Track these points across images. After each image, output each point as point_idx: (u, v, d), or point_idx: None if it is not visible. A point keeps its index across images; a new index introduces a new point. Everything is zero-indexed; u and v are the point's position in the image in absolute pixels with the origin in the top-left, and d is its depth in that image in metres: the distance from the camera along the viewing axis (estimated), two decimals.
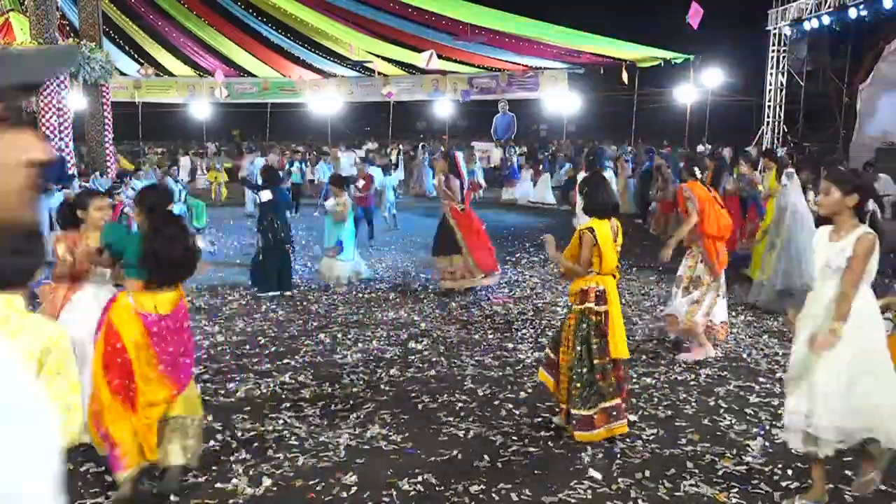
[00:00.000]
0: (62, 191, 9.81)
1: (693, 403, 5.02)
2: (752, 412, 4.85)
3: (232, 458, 4.13)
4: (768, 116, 21.35)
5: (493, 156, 23.06)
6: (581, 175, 9.83)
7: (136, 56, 25.66)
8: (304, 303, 7.92)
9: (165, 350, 3.59)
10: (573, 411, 4.36)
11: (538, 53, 23.49)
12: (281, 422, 4.66)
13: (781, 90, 21.09)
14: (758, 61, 22.32)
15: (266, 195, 8.30)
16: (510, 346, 6.36)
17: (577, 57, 23.45)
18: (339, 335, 6.67)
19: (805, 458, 3.77)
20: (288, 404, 4.97)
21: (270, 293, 8.11)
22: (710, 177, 6.53)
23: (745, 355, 6.09)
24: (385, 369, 5.71)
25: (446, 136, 28.26)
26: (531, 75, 25.70)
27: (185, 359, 3.74)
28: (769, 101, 21.30)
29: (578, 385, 4.33)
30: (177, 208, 12.49)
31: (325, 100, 27.51)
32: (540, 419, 4.74)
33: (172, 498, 3.68)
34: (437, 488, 3.79)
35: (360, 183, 11.61)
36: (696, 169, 6.20)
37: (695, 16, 16.49)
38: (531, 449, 4.28)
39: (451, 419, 4.72)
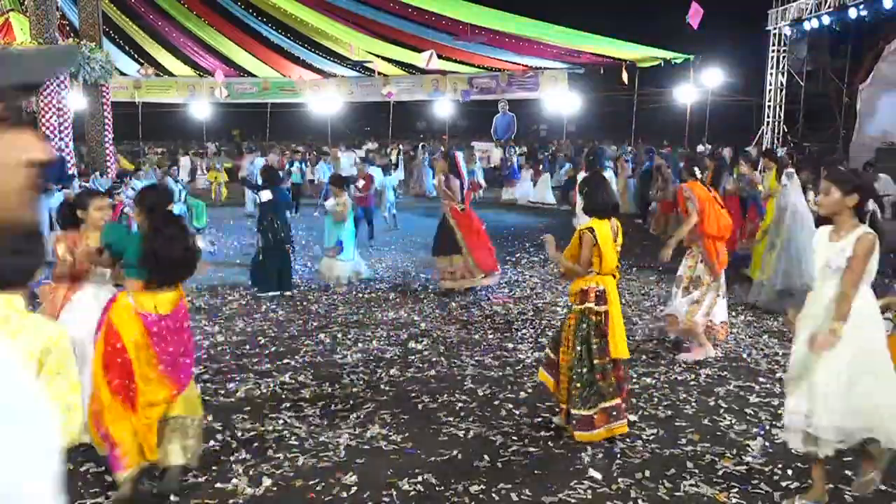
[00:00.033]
0: (62, 191, 9.81)
1: (693, 403, 5.02)
2: (752, 412, 4.85)
3: (232, 458, 4.13)
4: (768, 116, 21.36)
5: (493, 156, 23.06)
6: (581, 175, 9.83)
7: (136, 56, 25.66)
8: (304, 303, 7.92)
9: (165, 350, 3.59)
10: (573, 411, 4.36)
11: (538, 53, 23.49)
12: (281, 422, 4.66)
13: (781, 90, 21.10)
14: (758, 61, 22.34)
15: (266, 195, 8.30)
16: (510, 346, 6.36)
17: (577, 57, 23.45)
18: (339, 335, 6.67)
19: (805, 458, 3.77)
20: (288, 404, 4.97)
21: (270, 293, 8.12)
22: (710, 177, 6.53)
23: (745, 355, 6.09)
24: (385, 369, 5.71)
25: (446, 136, 28.26)
26: (531, 75, 25.70)
27: (185, 359, 3.74)
28: (769, 101, 21.30)
29: (578, 385, 4.33)
30: (177, 208, 12.50)
31: (325, 100, 27.51)
32: (540, 419, 4.74)
33: (172, 498, 3.68)
34: (437, 488, 3.79)
35: (360, 183, 11.62)
36: (696, 169, 6.20)
37: (695, 16, 16.49)
38: (531, 449, 4.28)
39: (451, 419, 4.72)
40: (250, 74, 27.71)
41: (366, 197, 11.58)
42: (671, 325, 6.09)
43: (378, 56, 25.43)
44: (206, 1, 23.42)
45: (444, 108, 27.80)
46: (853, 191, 3.36)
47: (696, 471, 4.00)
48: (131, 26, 24.39)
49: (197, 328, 6.77)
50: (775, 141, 20.77)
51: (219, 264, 9.85)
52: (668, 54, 22.33)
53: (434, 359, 5.99)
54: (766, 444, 4.32)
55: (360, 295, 8.29)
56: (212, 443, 4.33)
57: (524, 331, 6.83)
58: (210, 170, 20.28)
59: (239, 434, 4.48)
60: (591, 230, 4.34)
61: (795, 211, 7.53)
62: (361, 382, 5.42)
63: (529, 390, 5.25)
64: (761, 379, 5.49)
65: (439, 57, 23.24)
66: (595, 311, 4.36)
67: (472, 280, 8.24)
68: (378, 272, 9.49)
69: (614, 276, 4.49)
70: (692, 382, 5.45)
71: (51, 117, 12.34)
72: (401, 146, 25.31)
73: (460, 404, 4.98)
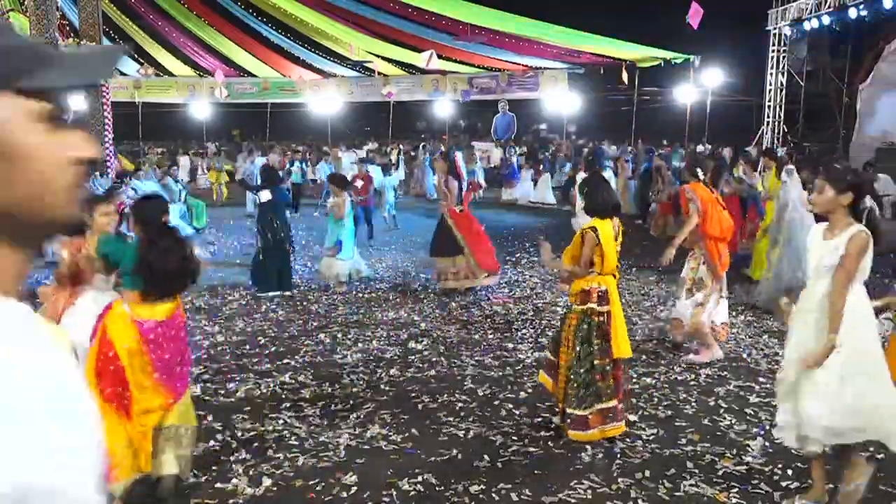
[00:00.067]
0: None
1: (693, 403, 5.02)
2: (752, 412, 4.85)
3: (232, 458, 4.13)
4: (768, 116, 21.36)
5: (493, 156, 23.06)
6: (580, 175, 9.83)
7: (136, 56, 25.66)
8: (304, 303, 7.92)
9: (161, 357, 3.57)
10: (568, 410, 4.37)
11: (538, 53, 23.48)
12: (281, 422, 4.66)
13: (781, 90, 21.10)
14: (758, 61, 22.34)
15: (265, 195, 8.30)
16: (510, 346, 6.36)
17: (577, 57, 23.44)
18: (339, 335, 6.67)
19: (805, 457, 3.77)
20: (288, 404, 4.97)
21: (270, 293, 8.12)
22: (711, 178, 6.53)
23: (745, 355, 6.09)
24: (385, 369, 5.72)
25: (446, 136, 28.25)
26: (531, 75, 25.69)
27: (182, 367, 3.71)
28: (769, 101, 21.30)
29: (575, 385, 4.34)
30: (177, 208, 12.55)
31: (325, 100, 27.50)
32: (540, 419, 4.74)
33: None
34: (437, 488, 3.79)
35: (359, 183, 11.63)
36: (698, 170, 6.20)
37: (695, 16, 16.49)
38: (531, 449, 4.28)
39: (451, 419, 4.72)
40: (250, 74, 27.71)
41: (365, 198, 11.59)
42: (676, 328, 6.08)
43: (378, 56, 25.42)
44: (206, 1, 23.42)
45: (444, 108, 27.79)
46: (847, 189, 3.35)
47: (696, 471, 4.00)
48: (131, 26, 24.39)
49: (197, 328, 6.78)
50: (775, 141, 20.77)
51: (219, 264, 9.85)
52: (668, 54, 22.32)
53: (434, 359, 5.99)
54: (766, 444, 4.32)
55: (360, 295, 8.29)
56: (212, 443, 4.34)
57: (524, 331, 6.83)
58: (210, 170, 20.29)
59: (239, 434, 4.48)
60: (594, 229, 4.34)
61: (796, 207, 7.55)
62: (361, 382, 5.42)
63: (529, 390, 5.25)
64: (761, 379, 5.49)
65: (439, 57, 23.23)
66: (598, 311, 4.36)
67: (475, 280, 8.25)
68: (378, 272, 9.49)
69: (614, 276, 4.50)
70: (692, 382, 5.45)
71: None
72: (401, 146, 25.31)
73: (460, 404, 4.98)
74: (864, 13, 16.87)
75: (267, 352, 6.18)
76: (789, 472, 3.98)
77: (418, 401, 5.04)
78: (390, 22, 22.10)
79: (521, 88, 26.13)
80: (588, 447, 4.26)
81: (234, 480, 3.87)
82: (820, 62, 21.73)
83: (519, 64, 25.24)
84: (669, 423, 4.68)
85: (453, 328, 6.93)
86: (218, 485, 3.83)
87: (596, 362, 4.33)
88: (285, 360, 5.93)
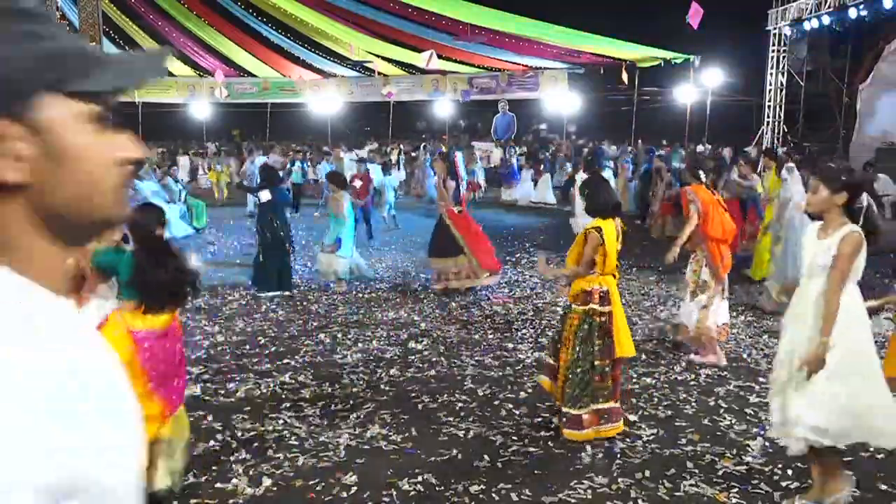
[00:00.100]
0: None
1: (693, 403, 5.02)
2: (752, 412, 4.85)
3: (232, 458, 4.13)
4: (768, 116, 21.37)
5: (494, 156, 23.06)
6: (580, 175, 9.83)
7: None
8: (304, 303, 7.92)
9: (155, 367, 3.55)
10: (563, 409, 4.38)
11: (538, 53, 23.48)
12: (281, 422, 4.66)
13: (781, 90, 21.11)
14: (758, 61, 22.35)
15: (265, 195, 8.30)
16: (510, 346, 6.36)
17: (577, 57, 23.45)
18: (339, 335, 6.67)
19: (805, 457, 3.77)
20: (288, 404, 4.96)
21: (270, 293, 8.12)
22: (712, 179, 6.54)
23: (745, 355, 6.09)
24: (385, 369, 5.71)
25: (446, 136, 28.25)
26: (531, 75, 25.69)
27: (178, 381, 3.70)
28: (769, 101, 21.31)
29: (572, 384, 4.35)
30: (177, 208, 12.55)
31: (325, 100, 27.51)
32: (540, 419, 4.74)
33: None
34: (437, 488, 3.79)
35: (357, 183, 11.63)
36: (700, 172, 6.21)
37: (695, 16, 16.49)
38: (531, 449, 4.28)
39: (451, 419, 4.72)
40: (250, 74, 27.72)
41: (364, 201, 11.60)
42: (682, 333, 6.08)
43: (378, 56, 25.43)
44: (206, 1, 23.42)
45: (444, 108, 27.80)
46: (842, 189, 3.34)
47: (696, 471, 4.00)
48: (131, 26, 24.40)
49: (197, 328, 6.78)
50: (775, 141, 20.78)
51: (219, 264, 9.85)
52: (668, 54, 22.33)
53: (434, 359, 5.99)
54: (766, 444, 4.32)
55: (360, 295, 8.29)
56: (212, 443, 4.33)
57: (524, 331, 6.83)
58: (211, 169, 20.30)
59: (239, 434, 4.48)
60: (599, 230, 4.35)
61: (798, 205, 7.56)
62: (361, 382, 5.42)
63: (529, 390, 5.25)
64: (761, 379, 5.48)
65: (439, 57, 23.24)
66: (599, 311, 4.37)
67: (476, 280, 8.25)
68: (378, 272, 9.49)
69: (614, 276, 4.50)
70: (692, 382, 5.45)
71: None
72: (401, 146, 25.30)
73: (460, 404, 4.98)
74: (864, 13, 16.87)
75: (267, 352, 6.18)
76: (789, 472, 3.97)
77: (418, 401, 5.04)
78: (390, 22, 22.11)
79: (521, 88, 26.13)
80: (588, 447, 4.26)
81: (234, 480, 3.87)
82: (820, 62, 21.74)
83: (519, 64, 25.24)
84: (669, 423, 4.68)
85: (453, 328, 6.93)
86: (218, 485, 3.83)
87: (596, 363, 4.34)
88: (285, 360, 5.93)
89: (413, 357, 6.04)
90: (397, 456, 4.18)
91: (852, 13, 17.05)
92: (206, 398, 5.04)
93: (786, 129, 21.29)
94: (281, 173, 11.12)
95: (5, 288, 0.73)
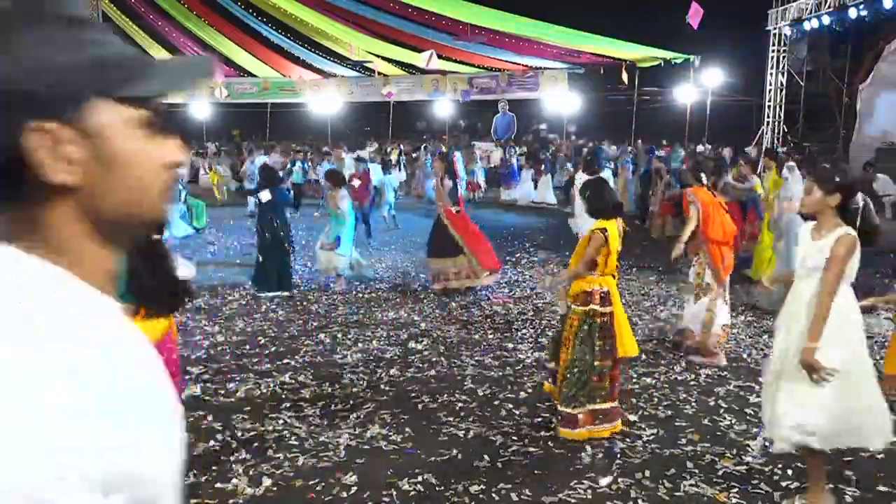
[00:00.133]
0: None
1: (693, 403, 5.02)
2: (752, 412, 4.84)
3: (232, 458, 4.13)
4: (768, 116, 21.36)
5: (494, 156, 23.04)
6: (579, 175, 9.83)
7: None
8: (304, 303, 7.92)
9: None
10: (559, 407, 4.39)
11: (538, 53, 23.47)
12: (281, 422, 4.66)
13: (781, 90, 21.10)
14: (758, 61, 22.33)
15: (265, 195, 8.30)
16: (510, 346, 6.37)
17: (577, 57, 23.44)
18: (339, 335, 6.67)
19: (805, 458, 3.77)
20: (288, 404, 4.97)
21: (270, 293, 8.12)
22: (713, 180, 6.55)
23: (745, 355, 6.10)
24: (385, 369, 5.72)
25: (446, 136, 28.25)
26: (531, 75, 25.68)
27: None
28: (769, 101, 21.30)
29: (570, 384, 4.35)
30: (177, 208, 12.54)
31: (325, 100, 27.49)
32: (540, 419, 4.74)
33: None
34: (437, 488, 3.79)
35: (356, 183, 11.63)
36: (702, 175, 6.22)
37: (695, 16, 16.50)
38: (531, 449, 4.28)
39: (451, 419, 4.72)
40: (250, 74, 27.70)
41: (363, 202, 11.61)
42: (688, 337, 6.09)
43: (378, 56, 25.42)
44: (206, 1, 23.42)
45: (444, 108, 27.77)
46: (835, 190, 3.34)
47: (696, 471, 4.01)
48: (131, 26, 24.39)
49: (197, 328, 6.78)
50: (775, 141, 20.78)
51: (219, 264, 9.86)
52: (668, 54, 22.32)
53: (434, 359, 5.99)
54: (766, 444, 4.31)
55: (360, 295, 8.29)
56: (212, 443, 4.33)
57: (524, 331, 6.83)
58: (211, 170, 20.28)
59: (239, 434, 4.48)
60: (604, 230, 4.36)
61: (789, 205, 7.58)
62: (361, 382, 5.42)
63: (529, 390, 5.25)
64: (761, 379, 5.47)
65: (439, 57, 23.22)
66: (600, 312, 4.37)
67: (476, 280, 8.25)
68: (378, 272, 9.49)
69: (613, 277, 4.51)
70: (692, 382, 5.45)
71: None
72: (401, 146, 25.28)
73: (460, 404, 4.99)
74: (864, 13, 16.87)
75: (267, 352, 6.18)
76: (789, 472, 3.98)
77: (418, 401, 5.05)
78: (390, 22, 22.10)
79: (521, 88, 26.11)
80: (588, 447, 4.26)
81: (234, 480, 3.87)
82: (820, 62, 21.74)
83: (519, 64, 25.23)
84: (669, 423, 4.68)
85: (453, 328, 6.93)
86: (218, 485, 3.83)
87: (596, 363, 4.34)
88: (285, 360, 5.93)
89: (413, 357, 6.04)
90: (397, 456, 4.18)
91: (852, 13, 17.05)
92: (206, 398, 5.05)
93: (786, 129, 21.28)
94: (281, 173, 11.12)
95: (65, 289, 0.74)
